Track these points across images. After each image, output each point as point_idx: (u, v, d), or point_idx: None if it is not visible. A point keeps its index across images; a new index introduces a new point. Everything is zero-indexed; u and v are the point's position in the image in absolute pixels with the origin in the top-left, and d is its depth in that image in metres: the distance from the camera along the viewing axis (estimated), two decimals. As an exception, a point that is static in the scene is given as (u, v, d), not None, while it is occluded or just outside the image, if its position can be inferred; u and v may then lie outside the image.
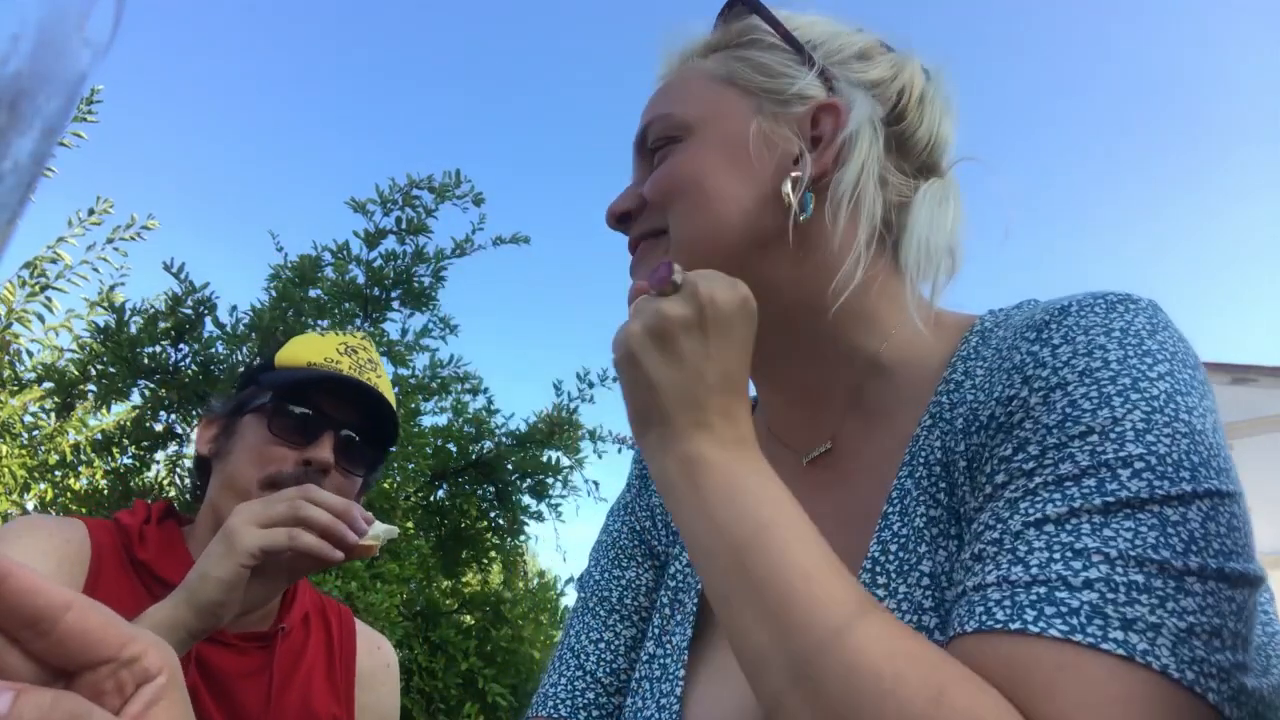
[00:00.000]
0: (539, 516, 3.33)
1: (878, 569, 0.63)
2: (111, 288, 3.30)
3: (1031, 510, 0.52)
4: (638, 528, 0.87)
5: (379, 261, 3.10)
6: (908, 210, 0.73)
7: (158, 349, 2.94)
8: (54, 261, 3.48)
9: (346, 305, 3.02)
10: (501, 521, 3.37)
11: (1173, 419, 0.51)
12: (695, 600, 0.77)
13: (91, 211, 3.55)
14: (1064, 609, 0.47)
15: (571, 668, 0.80)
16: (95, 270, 3.52)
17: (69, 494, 3.10)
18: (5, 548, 1.08)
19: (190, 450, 3.21)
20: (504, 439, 3.30)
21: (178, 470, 3.15)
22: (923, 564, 0.61)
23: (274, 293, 2.99)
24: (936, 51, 0.77)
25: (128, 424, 3.09)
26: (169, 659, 0.43)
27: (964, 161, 0.77)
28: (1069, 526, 0.50)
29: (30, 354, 3.44)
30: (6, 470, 3.14)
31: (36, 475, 3.17)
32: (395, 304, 3.17)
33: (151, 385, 2.99)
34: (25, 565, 0.39)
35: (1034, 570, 0.49)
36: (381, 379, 1.34)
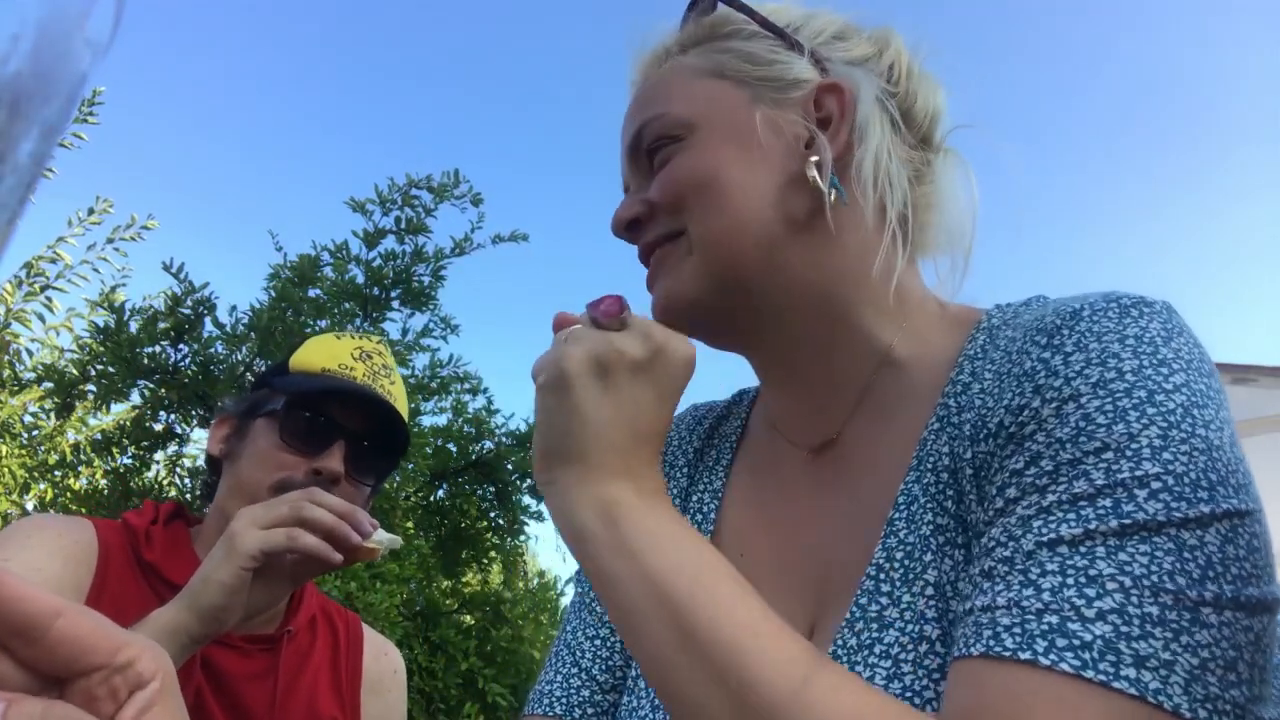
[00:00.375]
0: (539, 516, 3.33)
1: (882, 576, 0.61)
2: (111, 288, 3.31)
3: (1045, 529, 0.50)
4: None
5: (378, 261, 3.11)
6: (923, 183, 0.72)
7: (157, 349, 2.95)
8: (54, 261, 3.48)
9: (346, 305, 3.02)
10: (501, 521, 3.37)
11: (1190, 435, 0.50)
12: None
13: (91, 211, 3.56)
14: (1076, 642, 0.45)
15: (568, 665, 0.79)
16: (95, 270, 3.53)
17: (69, 494, 3.10)
18: (13, 547, 1.07)
19: (190, 450, 3.22)
20: (504, 439, 3.30)
21: (177, 470, 3.15)
22: (928, 573, 0.59)
23: (273, 293, 2.99)
24: (927, 44, 0.77)
25: (127, 424, 3.10)
26: (163, 664, 0.43)
27: (960, 129, 0.76)
28: (1083, 549, 0.48)
29: (30, 354, 3.45)
30: (6, 470, 3.14)
31: (36, 475, 3.17)
32: (395, 304, 3.18)
33: (151, 385, 3.00)
34: (13, 573, 0.38)
35: (1045, 596, 0.48)
36: (396, 384, 1.33)
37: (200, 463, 3.13)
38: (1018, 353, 0.59)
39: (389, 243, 3.13)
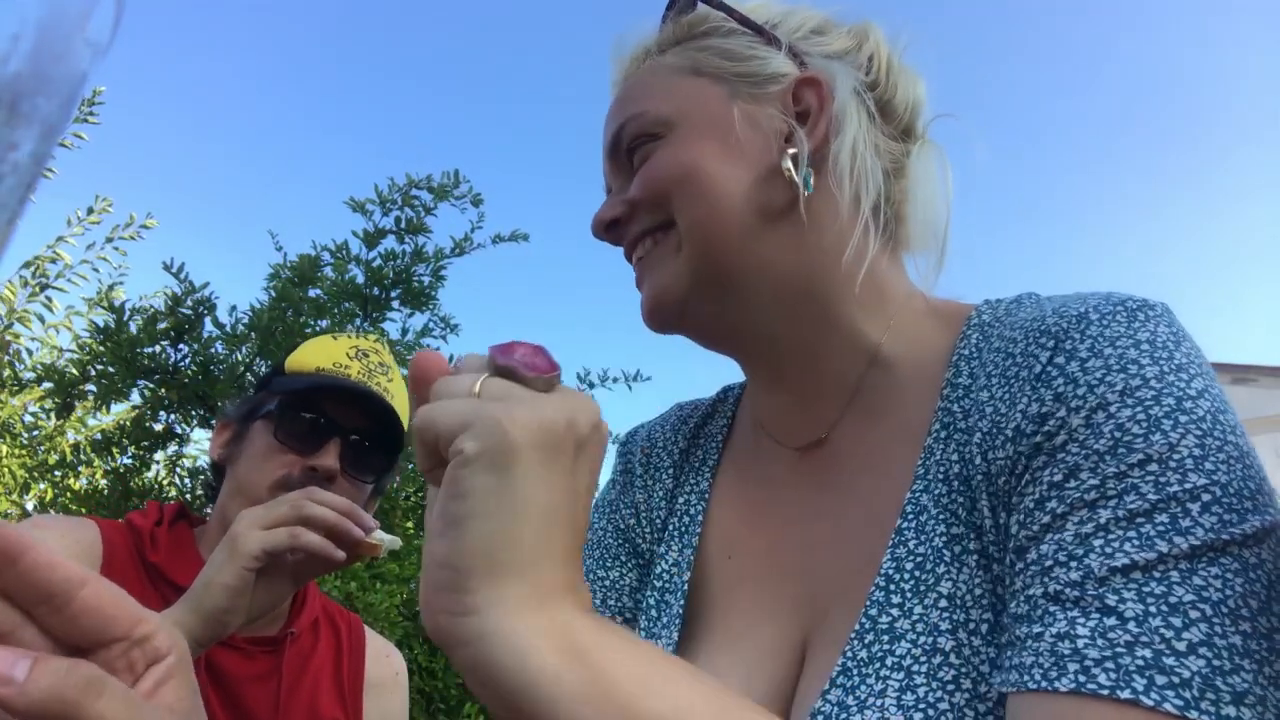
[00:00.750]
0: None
1: (892, 587, 0.60)
2: (111, 287, 3.31)
3: (1108, 549, 0.49)
4: (622, 526, 0.85)
5: (378, 261, 3.10)
6: (902, 177, 0.73)
7: (157, 349, 2.94)
8: (54, 261, 3.48)
9: (346, 305, 3.02)
10: (501, 521, 3.36)
11: (1224, 442, 0.51)
12: (682, 602, 0.74)
13: (91, 211, 3.56)
14: (1175, 679, 0.44)
15: None
16: (95, 270, 3.53)
17: (69, 494, 3.10)
18: None
19: (189, 450, 3.22)
20: (504, 439, 3.29)
21: (177, 470, 3.15)
22: (941, 584, 0.58)
23: (273, 292, 2.99)
24: (906, 37, 0.77)
25: (127, 424, 3.10)
26: (178, 640, 0.45)
27: (940, 118, 0.77)
28: (1157, 574, 0.47)
29: (30, 354, 3.45)
30: (6, 470, 3.14)
31: (36, 475, 3.17)
32: (395, 304, 3.17)
33: (151, 385, 2.99)
34: (41, 541, 0.40)
35: (1132, 627, 0.46)
36: (395, 382, 1.33)
37: (200, 463, 3.14)
38: (1021, 355, 0.59)
39: (389, 243, 3.13)
